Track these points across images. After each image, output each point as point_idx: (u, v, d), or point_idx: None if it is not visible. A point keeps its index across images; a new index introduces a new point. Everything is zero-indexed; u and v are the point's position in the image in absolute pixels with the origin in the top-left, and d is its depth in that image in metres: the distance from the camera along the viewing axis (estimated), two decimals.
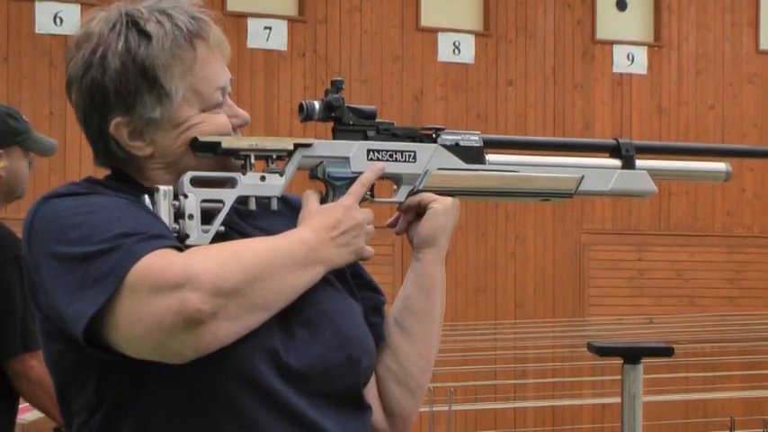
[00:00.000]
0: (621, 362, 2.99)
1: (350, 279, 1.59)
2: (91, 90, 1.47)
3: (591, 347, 3.04)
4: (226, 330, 1.32)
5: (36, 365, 2.81)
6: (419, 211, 1.60)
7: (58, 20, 7.47)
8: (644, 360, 2.97)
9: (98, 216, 1.37)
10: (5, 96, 7.30)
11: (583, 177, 1.66)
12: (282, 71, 8.03)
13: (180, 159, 1.49)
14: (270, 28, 7.96)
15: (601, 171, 1.68)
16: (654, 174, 1.71)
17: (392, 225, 1.64)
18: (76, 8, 7.51)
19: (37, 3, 7.45)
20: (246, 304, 1.34)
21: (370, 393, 1.58)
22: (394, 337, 1.60)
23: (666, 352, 3.03)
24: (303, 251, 1.41)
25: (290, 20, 8.08)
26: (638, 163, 1.70)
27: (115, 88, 1.46)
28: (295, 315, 1.43)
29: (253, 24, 7.94)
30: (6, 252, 2.79)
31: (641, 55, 8.92)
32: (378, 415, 1.60)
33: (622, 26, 8.93)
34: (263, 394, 1.39)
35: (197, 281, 1.29)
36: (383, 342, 1.60)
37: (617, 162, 1.69)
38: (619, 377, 2.99)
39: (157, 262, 1.31)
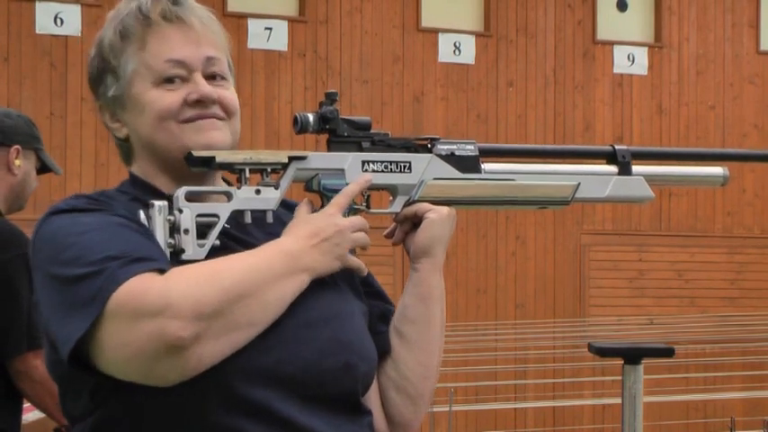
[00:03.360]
0: (622, 362, 2.99)
1: (359, 286, 1.59)
2: (89, 84, 1.57)
3: (591, 348, 3.04)
4: (211, 352, 1.32)
5: (39, 365, 2.79)
6: (415, 222, 1.59)
7: (58, 20, 7.47)
8: (644, 361, 2.97)
9: (89, 237, 1.38)
10: (6, 96, 7.30)
11: (579, 185, 1.66)
12: (283, 72, 8.03)
13: (153, 143, 1.52)
14: (270, 28, 7.97)
15: (597, 178, 1.68)
16: (651, 179, 1.71)
17: (389, 236, 1.63)
18: (77, 9, 7.51)
19: (37, 3, 7.45)
20: (230, 324, 1.33)
21: (373, 401, 1.58)
22: (393, 345, 1.60)
23: (667, 353, 3.03)
24: (284, 261, 1.41)
25: (291, 20, 8.08)
26: (635, 169, 1.70)
27: (90, 74, 1.56)
28: (290, 320, 1.42)
29: (253, 25, 7.94)
30: (14, 249, 2.78)
31: (642, 56, 8.92)
32: (380, 423, 1.59)
33: (623, 27, 8.94)
34: (254, 406, 1.39)
35: (176, 306, 1.29)
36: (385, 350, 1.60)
37: (613, 168, 1.69)
38: (619, 378, 2.99)
39: (137, 288, 1.31)
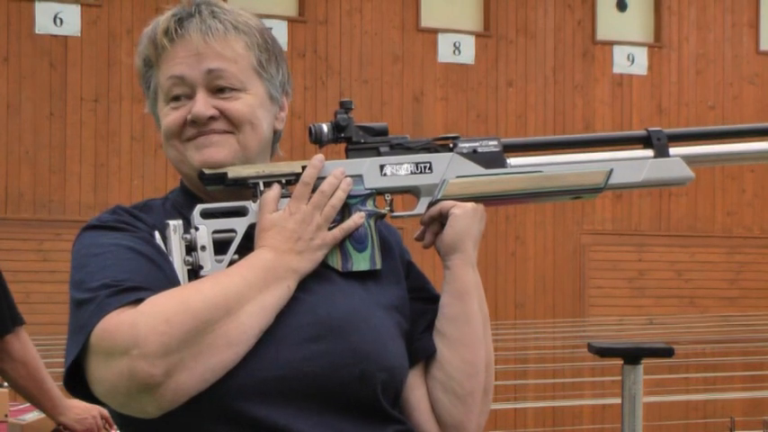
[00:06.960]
0: (622, 362, 2.99)
1: (403, 290, 1.56)
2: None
3: (591, 348, 3.05)
4: (187, 381, 1.31)
5: (15, 343, 2.78)
6: (442, 222, 1.56)
7: (57, 20, 7.47)
8: (644, 361, 2.97)
9: (97, 261, 1.39)
10: (5, 97, 7.30)
11: (612, 170, 1.60)
12: None
13: (169, 159, 1.53)
14: (270, 28, 7.94)
15: (631, 162, 1.61)
16: (692, 160, 1.63)
17: (420, 239, 1.61)
18: (76, 9, 7.51)
19: (37, 3, 7.45)
20: (204, 350, 1.32)
21: (421, 406, 1.55)
22: (436, 345, 1.56)
23: (666, 352, 3.04)
24: (260, 275, 1.39)
25: (291, 20, 8.08)
26: (673, 151, 1.63)
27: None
28: (297, 333, 1.40)
29: None
30: None
31: (641, 55, 8.92)
32: (430, 428, 1.55)
33: (623, 27, 8.94)
34: (257, 423, 1.37)
35: (144, 344, 1.28)
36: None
37: (649, 152, 1.63)
38: (619, 378, 2.99)
39: (110, 324, 1.31)
